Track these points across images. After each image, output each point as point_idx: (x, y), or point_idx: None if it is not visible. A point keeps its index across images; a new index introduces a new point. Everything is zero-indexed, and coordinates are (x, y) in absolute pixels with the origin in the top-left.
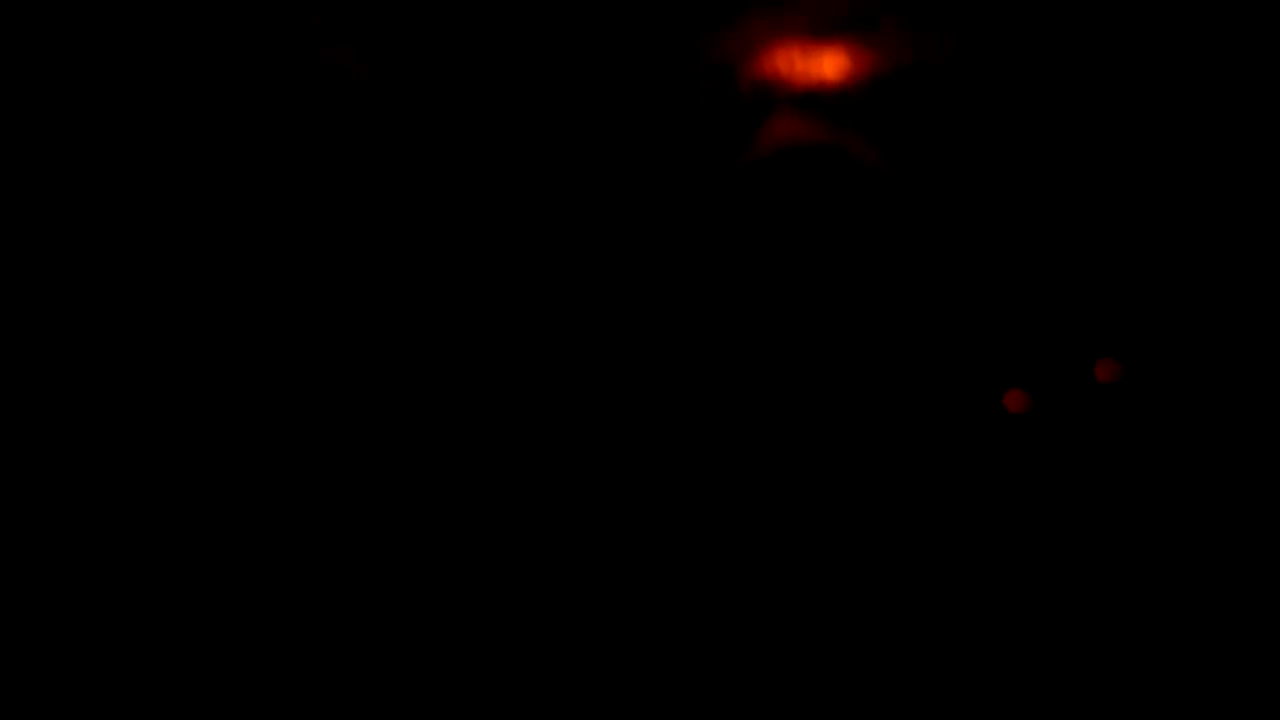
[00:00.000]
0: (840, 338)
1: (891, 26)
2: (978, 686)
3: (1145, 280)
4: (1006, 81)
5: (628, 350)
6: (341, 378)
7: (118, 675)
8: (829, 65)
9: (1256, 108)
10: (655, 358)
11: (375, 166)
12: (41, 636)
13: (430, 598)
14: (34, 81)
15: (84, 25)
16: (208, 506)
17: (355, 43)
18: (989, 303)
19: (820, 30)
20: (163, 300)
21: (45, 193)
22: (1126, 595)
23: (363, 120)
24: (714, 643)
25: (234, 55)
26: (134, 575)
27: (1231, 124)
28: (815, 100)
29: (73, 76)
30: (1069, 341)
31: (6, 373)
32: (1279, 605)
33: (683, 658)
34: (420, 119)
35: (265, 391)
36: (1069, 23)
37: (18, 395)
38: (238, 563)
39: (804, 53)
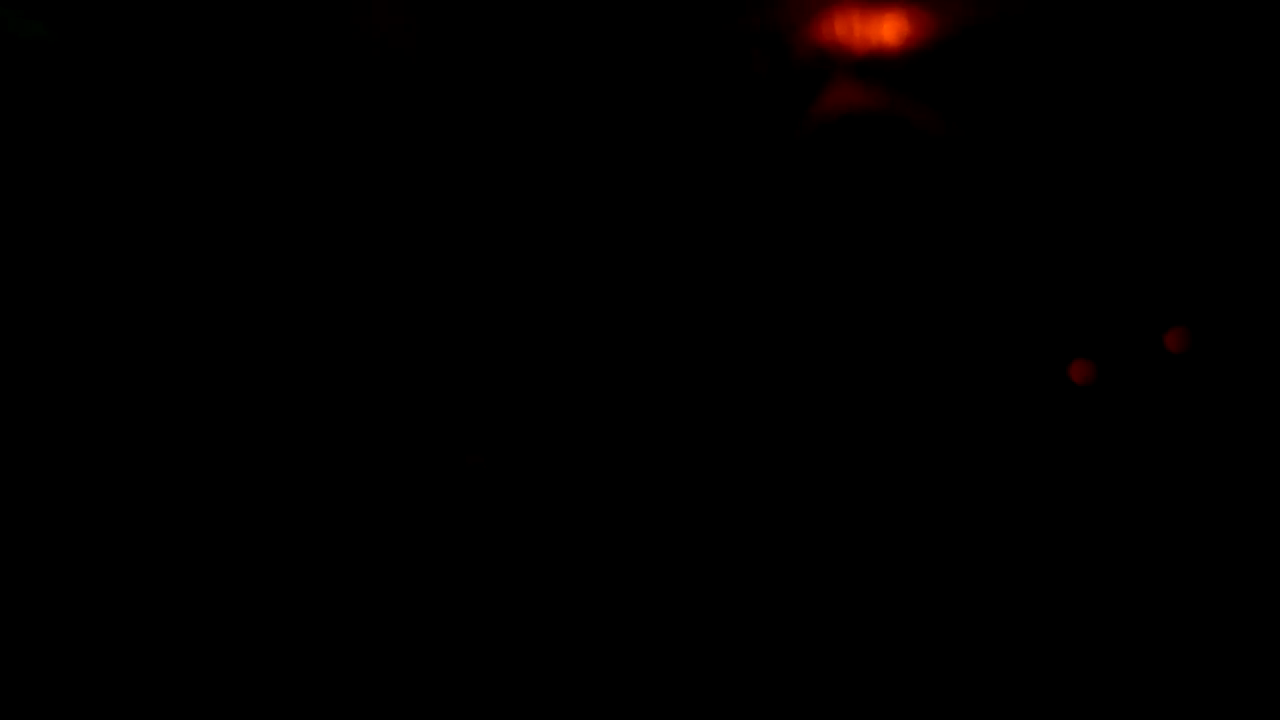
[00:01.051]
0: (900, 309)
1: None
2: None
3: (1218, 248)
4: (1075, 41)
5: (676, 325)
6: (375, 366)
7: (118, 675)
8: (888, 29)
9: None
10: (707, 332)
11: (420, 140)
12: (41, 636)
13: (430, 598)
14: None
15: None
16: (207, 506)
17: (401, 12)
18: (1054, 272)
19: None
20: (186, 287)
21: (67, 172)
22: (1194, 575)
23: (408, 93)
24: (740, 636)
25: (274, 24)
26: (134, 575)
27: None
28: (874, 66)
29: (101, 49)
30: (1137, 312)
31: (7, 373)
32: None
33: (692, 656)
34: (467, 91)
35: (282, 380)
36: None
37: (18, 395)
38: (237, 562)
39: (862, 17)
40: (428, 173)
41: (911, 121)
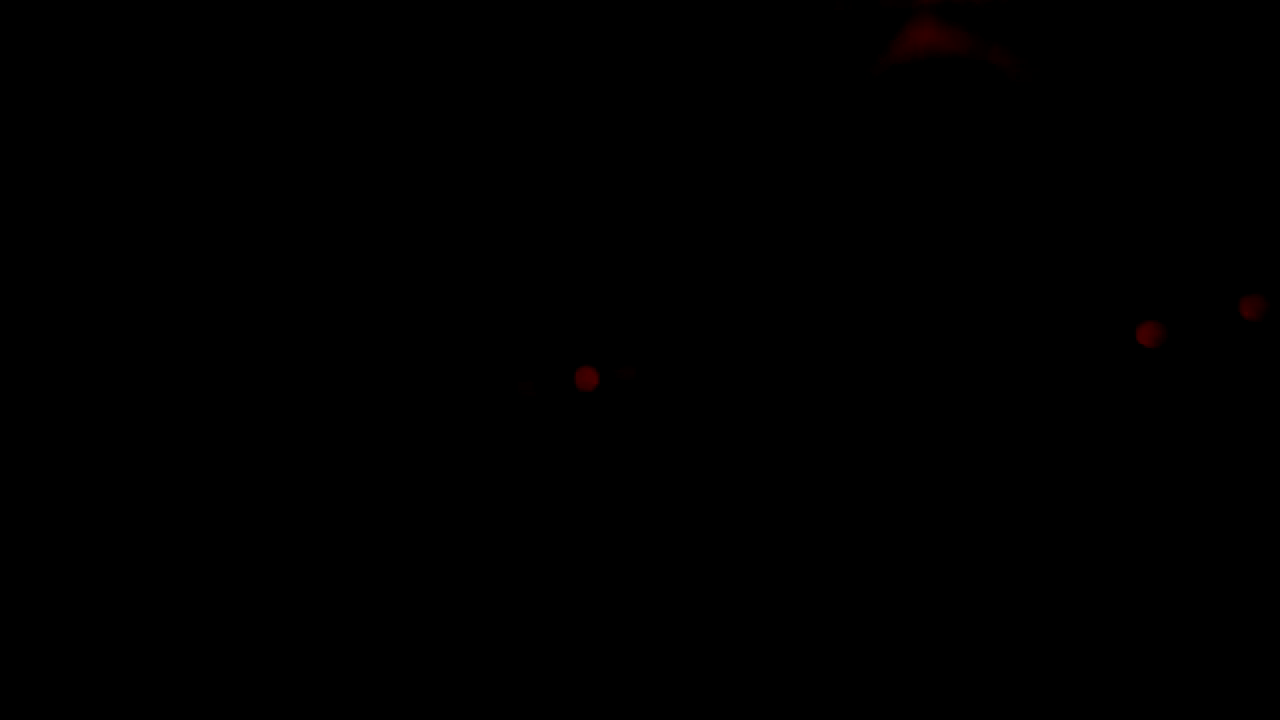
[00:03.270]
0: (975, 257)
1: None
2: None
3: None
4: None
5: (748, 268)
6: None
7: (118, 675)
8: None
9: None
10: (783, 267)
11: (499, 85)
12: (41, 636)
13: (430, 598)
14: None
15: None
16: (207, 506)
17: None
18: (1131, 227)
19: None
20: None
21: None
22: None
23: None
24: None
25: (292, 27)
26: (134, 575)
27: None
28: (956, 8)
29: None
30: (1213, 274)
31: (9, 372)
32: None
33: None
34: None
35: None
36: None
37: (19, 395)
38: (237, 562)
39: None
40: (505, 119)
41: (992, 64)
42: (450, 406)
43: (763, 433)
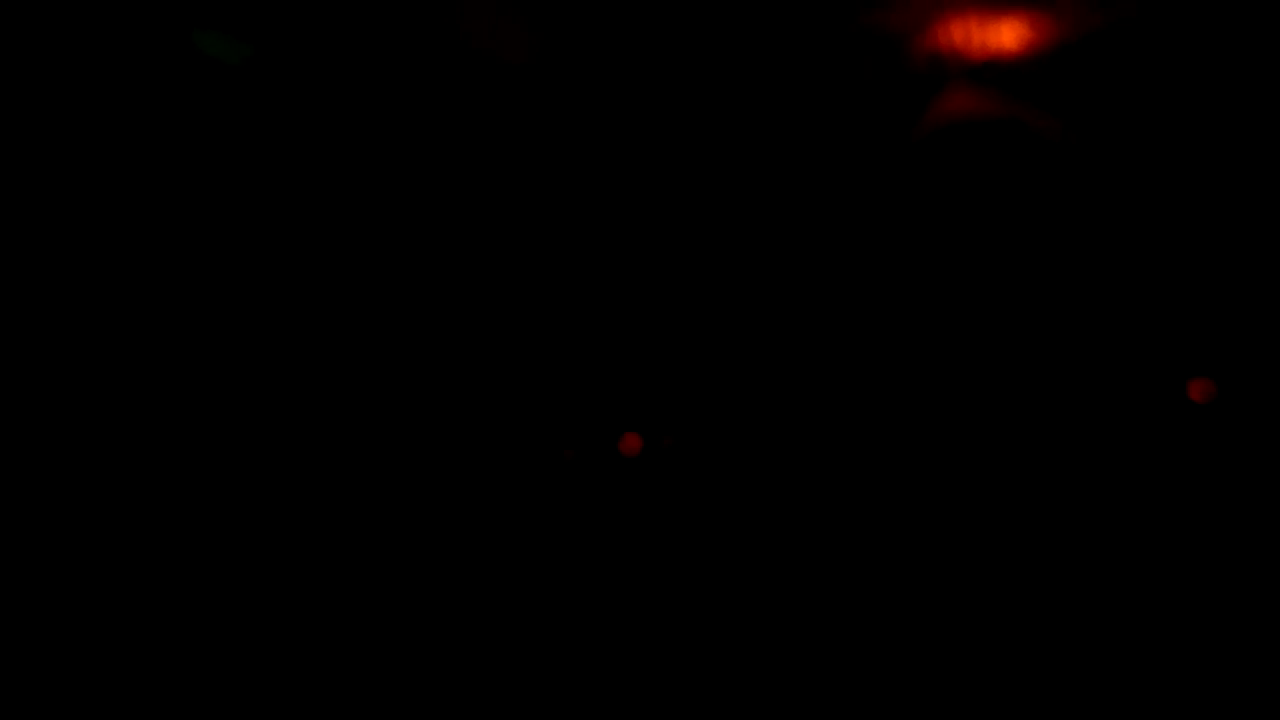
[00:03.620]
0: (1016, 319)
1: None
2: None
3: None
4: (1195, 45)
5: (786, 326)
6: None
7: (118, 675)
8: (1007, 35)
9: None
10: (820, 335)
11: (533, 150)
12: (41, 636)
13: (430, 598)
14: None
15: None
16: (207, 506)
17: (519, 27)
18: (1177, 284)
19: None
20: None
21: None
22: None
23: (521, 105)
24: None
25: (394, 35)
26: (134, 575)
27: None
28: (991, 72)
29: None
30: (1260, 329)
31: (11, 372)
32: None
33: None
34: (581, 103)
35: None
36: None
37: (20, 395)
38: (237, 562)
39: (980, 22)
40: (544, 175)
41: (1029, 127)
42: (495, 470)
43: (803, 502)
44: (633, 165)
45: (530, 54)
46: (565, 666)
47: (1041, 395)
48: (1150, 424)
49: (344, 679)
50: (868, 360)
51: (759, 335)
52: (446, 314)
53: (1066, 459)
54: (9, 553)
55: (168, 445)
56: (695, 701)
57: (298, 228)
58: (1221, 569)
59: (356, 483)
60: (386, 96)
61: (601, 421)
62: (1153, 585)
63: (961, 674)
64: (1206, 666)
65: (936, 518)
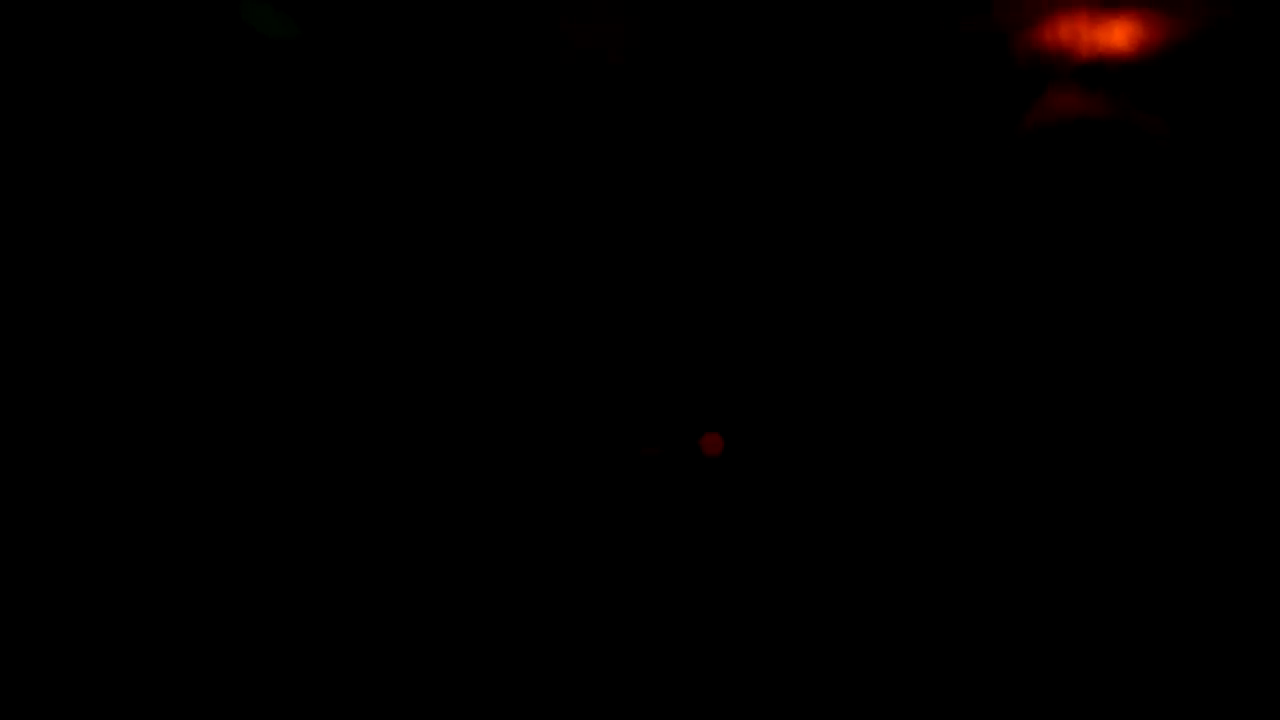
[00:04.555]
0: (1122, 324)
1: None
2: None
3: None
4: None
5: (879, 325)
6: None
7: (118, 675)
8: (1118, 34)
9: None
10: (915, 339)
11: (626, 152)
12: (41, 636)
13: (429, 598)
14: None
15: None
16: (207, 506)
17: (613, 25)
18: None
19: None
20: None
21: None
22: None
23: (614, 105)
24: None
25: (485, 34)
26: (134, 575)
27: None
28: (1099, 72)
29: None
30: None
31: (9, 372)
32: None
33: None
34: (675, 104)
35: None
36: None
37: (19, 395)
38: (237, 562)
39: (1088, 21)
40: (638, 176)
41: (1138, 129)
42: (578, 470)
43: (884, 500)
44: (727, 165)
45: (628, 53)
46: (622, 661)
47: (1138, 397)
48: (1247, 429)
49: (387, 671)
50: (958, 364)
51: (847, 336)
52: (522, 311)
53: (1144, 465)
54: (9, 553)
55: (194, 438)
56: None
57: (370, 217)
58: (1222, 569)
59: (420, 475)
60: (479, 92)
61: (681, 420)
62: (1157, 584)
63: (977, 671)
64: (1207, 666)
65: (997, 517)
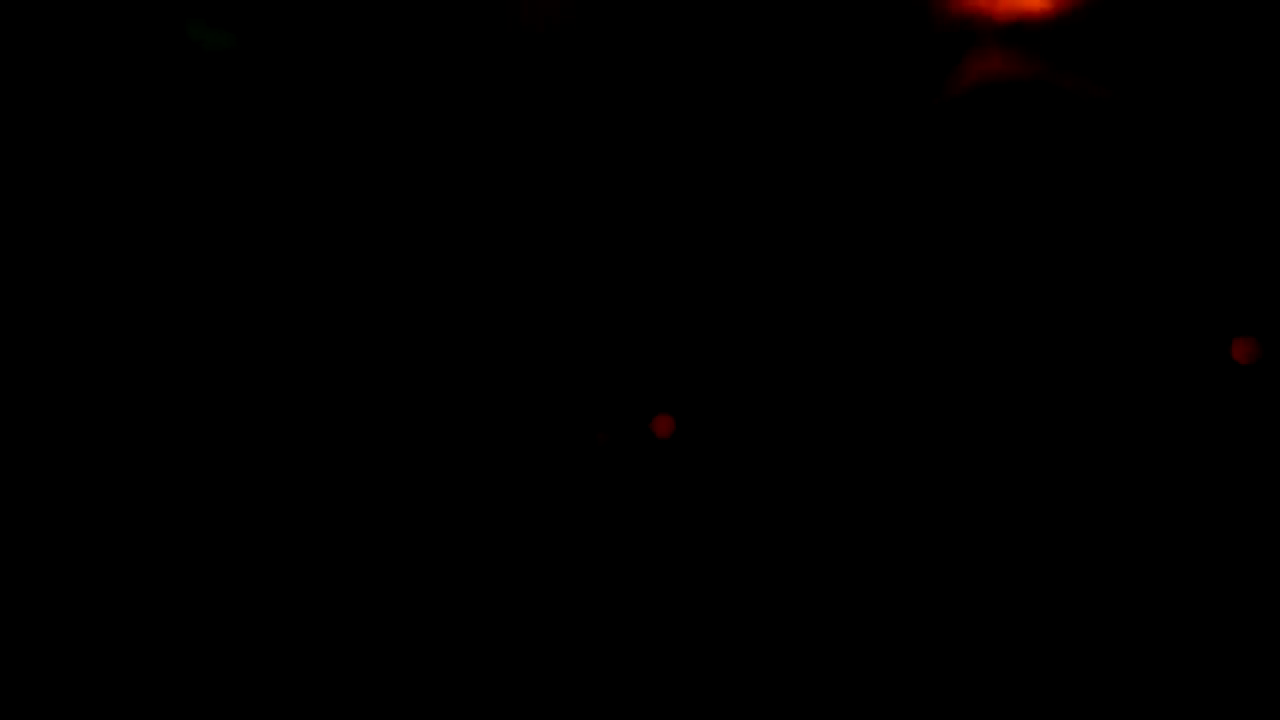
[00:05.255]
0: (1049, 283)
1: None
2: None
3: None
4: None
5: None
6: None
7: (118, 675)
8: None
9: None
10: (847, 309)
11: (572, 128)
12: (41, 636)
13: (430, 598)
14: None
15: None
16: (207, 506)
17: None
18: (1218, 245)
19: None
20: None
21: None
22: None
23: (560, 78)
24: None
25: (439, 21)
26: (134, 575)
27: None
28: (1019, 33)
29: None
30: None
31: (9, 371)
32: None
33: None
34: (617, 76)
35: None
36: None
37: (19, 395)
38: (237, 563)
39: None
40: (585, 155)
41: (1058, 88)
42: (527, 456)
43: (845, 479)
44: (667, 137)
45: (556, 24)
46: (596, 649)
47: (1078, 369)
48: (1193, 388)
49: (365, 669)
50: (895, 335)
51: (785, 309)
52: (471, 300)
53: (1103, 438)
54: (9, 553)
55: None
56: (727, 687)
57: (315, 210)
58: (1224, 569)
59: (378, 468)
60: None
61: (633, 405)
62: (1162, 582)
63: (972, 670)
64: (1208, 666)
65: (983, 501)
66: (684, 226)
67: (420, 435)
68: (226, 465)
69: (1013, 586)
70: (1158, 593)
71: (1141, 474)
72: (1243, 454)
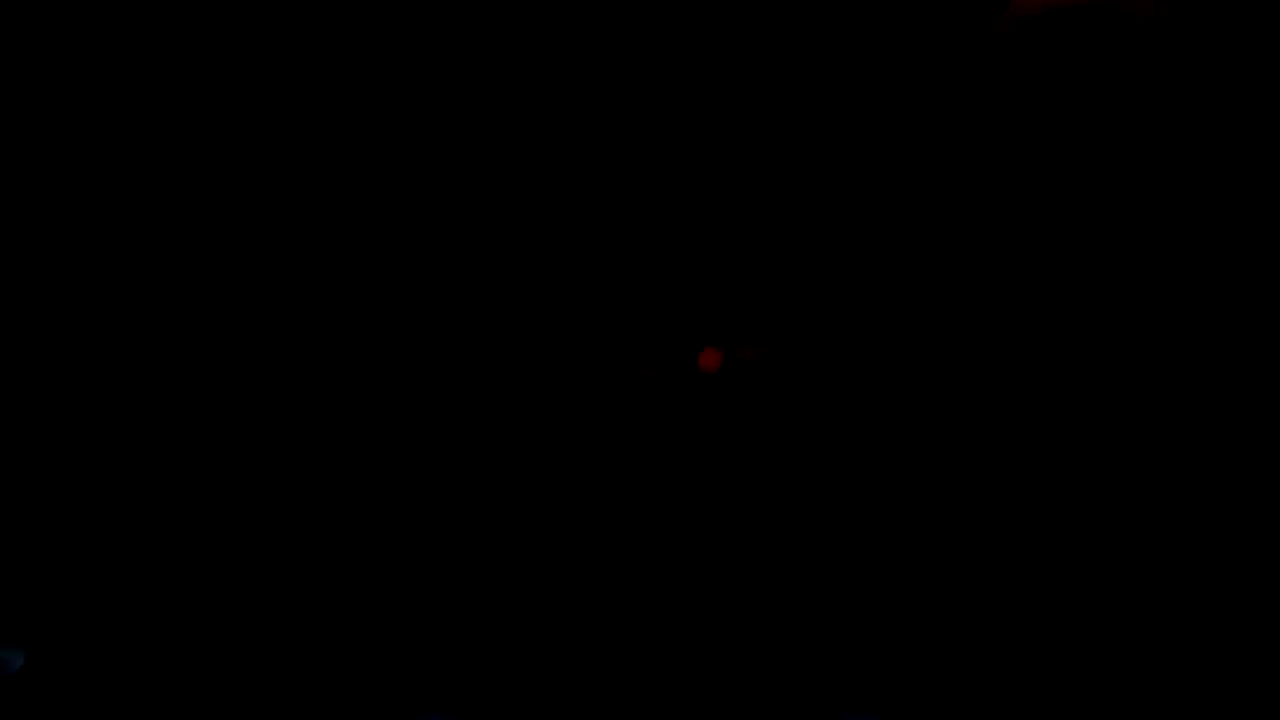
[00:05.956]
0: (1115, 220)
1: None
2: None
3: None
4: None
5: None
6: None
7: (118, 675)
8: None
9: None
10: (896, 244)
11: (602, 80)
12: (42, 636)
13: (430, 598)
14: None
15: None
16: (207, 507)
17: None
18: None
19: None
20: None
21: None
22: None
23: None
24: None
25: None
26: (134, 575)
27: None
28: None
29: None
30: None
31: (10, 372)
32: None
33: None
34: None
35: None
36: None
37: (19, 395)
38: (237, 563)
39: None
40: (615, 100)
41: (1127, 13)
42: (576, 392)
43: (886, 419)
44: (707, 77)
45: None
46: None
47: (1142, 320)
48: (1184, 402)
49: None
50: (959, 269)
51: (844, 243)
52: (515, 239)
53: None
54: (9, 553)
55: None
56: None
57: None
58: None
59: (420, 404)
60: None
61: (680, 339)
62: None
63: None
64: (1207, 666)
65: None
66: (732, 167)
67: (449, 380)
68: (226, 465)
69: (1013, 586)
70: (1158, 593)
71: (1142, 474)
72: (1243, 454)
